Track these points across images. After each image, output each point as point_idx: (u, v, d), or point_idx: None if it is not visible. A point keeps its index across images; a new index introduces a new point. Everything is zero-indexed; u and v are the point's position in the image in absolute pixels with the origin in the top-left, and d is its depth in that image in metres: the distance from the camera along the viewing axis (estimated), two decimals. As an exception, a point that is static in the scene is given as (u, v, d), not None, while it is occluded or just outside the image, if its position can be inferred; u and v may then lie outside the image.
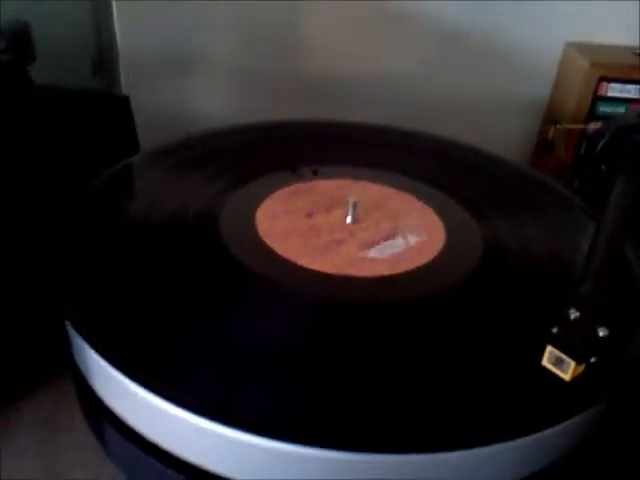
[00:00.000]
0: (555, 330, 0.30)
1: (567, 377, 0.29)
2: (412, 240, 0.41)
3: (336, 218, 0.43)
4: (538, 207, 0.48)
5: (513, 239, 0.42)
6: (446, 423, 0.29)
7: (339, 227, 0.42)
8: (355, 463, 0.28)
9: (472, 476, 0.29)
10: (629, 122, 0.52)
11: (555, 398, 0.30)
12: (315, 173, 0.49)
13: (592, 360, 0.30)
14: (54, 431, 0.38)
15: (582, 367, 0.29)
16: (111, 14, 0.60)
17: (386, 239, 0.41)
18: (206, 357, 0.31)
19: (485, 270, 0.39)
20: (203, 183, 0.46)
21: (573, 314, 0.30)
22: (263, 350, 0.32)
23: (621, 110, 0.61)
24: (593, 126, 0.58)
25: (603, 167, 0.50)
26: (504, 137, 0.69)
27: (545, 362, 0.30)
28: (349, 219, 0.43)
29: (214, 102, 0.68)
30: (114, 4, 0.60)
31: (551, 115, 0.67)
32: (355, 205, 0.43)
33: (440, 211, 0.45)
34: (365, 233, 0.42)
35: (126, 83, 0.63)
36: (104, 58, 0.61)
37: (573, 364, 0.29)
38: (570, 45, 0.65)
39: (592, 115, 0.61)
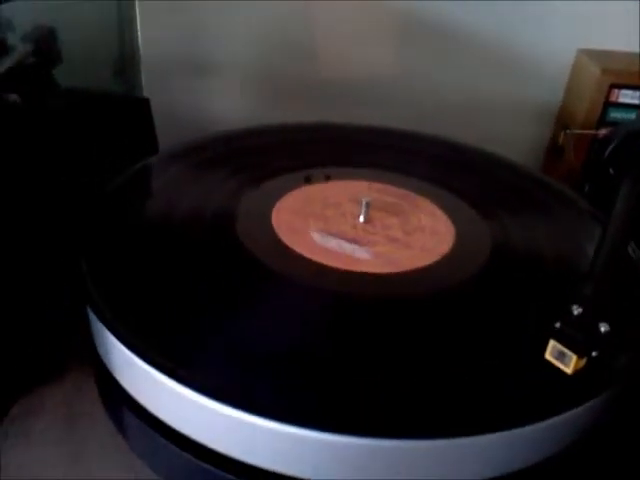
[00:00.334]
0: (558, 325, 0.31)
1: (569, 370, 0.30)
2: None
3: (349, 218, 0.44)
4: (545, 210, 0.49)
5: (520, 241, 0.44)
6: (459, 409, 0.30)
7: (352, 226, 0.43)
8: (367, 448, 0.29)
9: (482, 461, 0.31)
10: (639, 128, 0.53)
11: (558, 390, 0.31)
12: (328, 178, 0.50)
13: (593, 354, 0.31)
14: (74, 417, 0.39)
15: (584, 361, 0.30)
16: (134, 18, 0.62)
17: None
18: (223, 347, 0.33)
19: (492, 270, 0.40)
20: (220, 183, 0.48)
21: (576, 310, 0.31)
22: (279, 342, 0.33)
23: (632, 116, 0.62)
24: (603, 132, 0.59)
25: (611, 171, 0.51)
26: (517, 142, 0.70)
27: (548, 355, 0.31)
28: (362, 218, 0.44)
29: (230, 105, 0.69)
30: (137, 8, 0.62)
31: (563, 121, 0.68)
32: (368, 205, 0.44)
33: (450, 212, 0.46)
34: (377, 232, 0.43)
35: (146, 85, 0.65)
36: (126, 61, 0.63)
37: (575, 358, 0.30)
38: (582, 52, 0.66)
39: (603, 121, 0.62)
